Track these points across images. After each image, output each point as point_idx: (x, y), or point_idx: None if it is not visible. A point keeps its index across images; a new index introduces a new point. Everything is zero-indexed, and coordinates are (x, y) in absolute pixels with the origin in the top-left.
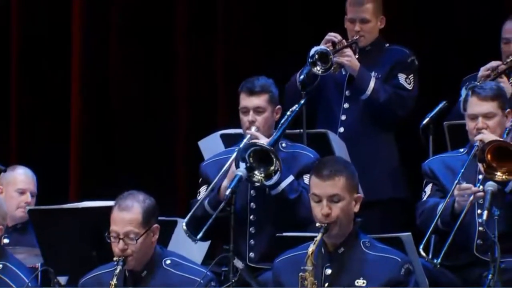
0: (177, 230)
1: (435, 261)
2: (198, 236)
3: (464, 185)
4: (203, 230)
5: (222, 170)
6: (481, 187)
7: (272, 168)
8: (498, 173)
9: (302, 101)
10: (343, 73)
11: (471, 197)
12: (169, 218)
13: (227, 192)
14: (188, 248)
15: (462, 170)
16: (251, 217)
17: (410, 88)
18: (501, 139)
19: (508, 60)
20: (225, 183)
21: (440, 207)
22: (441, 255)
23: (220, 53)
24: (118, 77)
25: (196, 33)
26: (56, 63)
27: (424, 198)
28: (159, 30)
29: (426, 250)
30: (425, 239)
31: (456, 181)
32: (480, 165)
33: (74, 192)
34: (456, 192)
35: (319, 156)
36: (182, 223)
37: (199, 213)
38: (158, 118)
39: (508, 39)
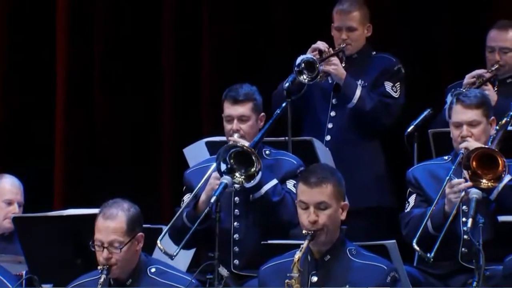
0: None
1: (428, 255)
2: (175, 253)
3: (456, 180)
4: (180, 246)
5: (202, 180)
6: (464, 193)
7: (253, 169)
8: (484, 180)
9: (284, 105)
10: (330, 81)
11: (462, 193)
12: (154, 226)
13: (212, 199)
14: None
15: (448, 178)
16: (235, 224)
17: (397, 96)
18: (486, 146)
19: (493, 68)
20: (203, 197)
21: (429, 211)
22: (434, 250)
23: (205, 61)
24: (103, 85)
25: (181, 41)
26: (40, 72)
27: (408, 209)
28: (144, 39)
29: (419, 245)
30: (418, 234)
31: (447, 178)
32: (465, 172)
33: (58, 200)
34: (447, 189)
35: (304, 164)
36: (158, 240)
37: (178, 224)
38: (143, 125)
39: (493, 47)
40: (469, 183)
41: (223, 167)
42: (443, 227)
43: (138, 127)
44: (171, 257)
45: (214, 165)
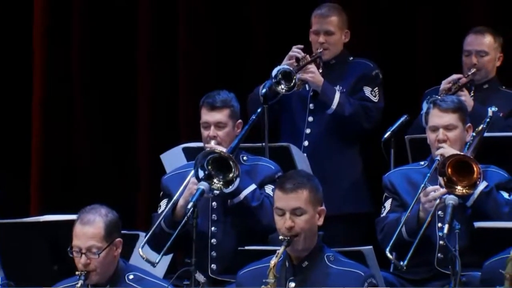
0: (139, 243)
1: (401, 263)
2: (157, 260)
3: (430, 187)
4: (162, 253)
5: (182, 186)
6: (439, 200)
7: (231, 175)
8: (459, 187)
9: (259, 110)
10: (307, 88)
11: (437, 201)
12: (131, 231)
13: (189, 205)
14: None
15: (423, 185)
16: (213, 228)
17: (376, 101)
18: (461, 153)
19: (469, 73)
20: (181, 201)
21: (404, 216)
22: (407, 258)
23: (182, 66)
24: (80, 91)
25: (157, 46)
26: (16, 78)
27: (384, 214)
28: (120, 45)
29: (395, 251)
30: (391, 242)
31: (423, 185)
32: (440, 179)
33: (35, 206)
34: (422, 197)
35: (281, 169)
36: (139, 248)
37: (157, 231)
38: (120, 131)
39: (469, 51)
40: (444, 190)
41: (201, 173)
42: (417, 233)
43: (115, 133)
44: (153, 264)
45: (193, 171)
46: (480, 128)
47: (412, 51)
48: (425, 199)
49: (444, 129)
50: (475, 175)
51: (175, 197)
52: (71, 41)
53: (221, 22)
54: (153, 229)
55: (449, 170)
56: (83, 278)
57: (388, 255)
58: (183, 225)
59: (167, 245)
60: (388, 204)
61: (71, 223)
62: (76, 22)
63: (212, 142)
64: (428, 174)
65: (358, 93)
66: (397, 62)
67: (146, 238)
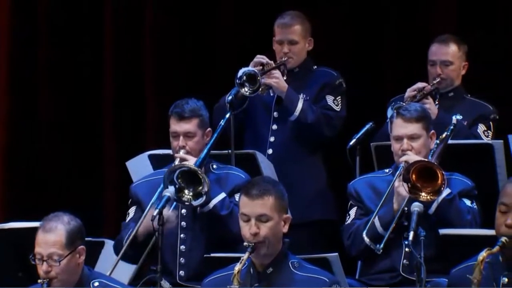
0: (104, 250)
1: (378, 246)
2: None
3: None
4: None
5: (142, 217)
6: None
7: (200, 187)
8: (423, 194)
9: (227, 115)
10: (271, 94)
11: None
12: (96, 238)
13: (155, 212)
14: (116, 268)
15: (387, 192)
16: (182, 235)
17: (338, 109)
18: (425, 160)
19: (434, 81)
20: (141, 229)
21: (373, 217)
22: (383, 241)
23: (148, 73)
24: (45, 95)
25: (123, 53)
26: None
27: (348, 221)
28: (85, 50)
29: (368, 236)
30: (369, 223)
31: (386, 193)
32: (404, 185)
33: None
34: (396, 183)
35: (250, 178)
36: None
37: (121, 245)
38: (86, 138)
39: (434, 61)
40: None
41: (171, 188)
42: (390, 224)
43: (80, 139)
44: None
45: (152, 201)
46: (444, 135)
47: (378, 58)
48: (399, 184)
49: (408, 139)
50: (439, 181)
51: (135, 228)
52: (37, 46)
53: (189, 30)
54: (118, 238)
55: (414, 176)
56: (46, 285)
57: (365, 238)
58: (148, 238)
59: (145, 253)
60: (353, 212)
61: (36, 230)
62: (42, 23)
63: (181, 152)
64: (392, 183)
65: (321, 102)
66: (363, 69)
67: (124, 248)
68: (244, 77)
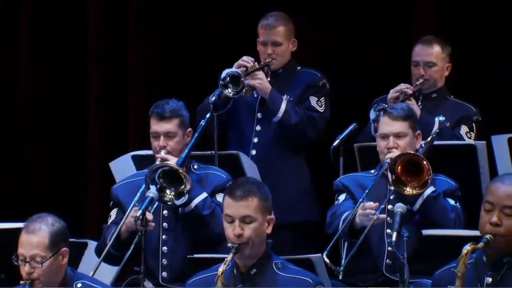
0: (87, 251)
1: (338, 268)
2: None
3: (368, 204)
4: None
5: (124, 217)
6: (376, 216)
7: (182, 187)
8: (407, 188)
9: (208, 116)
10: (255, 95)
11: (375, 216)
12: (79, 240)
13: (138, 213)
14: (99, 269)
15: (367, 191)
16: (164, 236)
17: (322, 110)
18: (412, 152)
19: (417, 82)
20: (123, 228)
21: (345, 217)
22: (343, 264)
23: (131, 74)
24: (28, 98)
25: (107, 54)
26: None
27: (337, 203)
28: (69, 51)
29: (329, 257)
30: (329, 246)
31: (361, 200)
32: (389, 176)
33: None
34: (360, 210)
35: (231, 177)
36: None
37: (104, 246)
38: (69, 139)
39: (417, 62)
40: (377, 204)
41: (153, 187)
42: (347, 237)
43: (63, 140)
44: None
45: (134, 201)
46: (429, 139)
47: (362, 59)
48: (362, 212)
49: (395, 137)
50: (425, 174)
51: (118, 228)
52: (19, 50)
53: (172, 31)
54: (101, 242)
55: (399, 168)
56: (28, 286)
57: (325, 259)
58: (130, 238)
59: (126, 255)
60: (342, 197)
61: (19, 231)
62: (24, 29)
63: (162, 152)
64: (376, 178)
65: (304, 102)
66: (346, 70)
67: (105, 252)
68: (228, 78)
